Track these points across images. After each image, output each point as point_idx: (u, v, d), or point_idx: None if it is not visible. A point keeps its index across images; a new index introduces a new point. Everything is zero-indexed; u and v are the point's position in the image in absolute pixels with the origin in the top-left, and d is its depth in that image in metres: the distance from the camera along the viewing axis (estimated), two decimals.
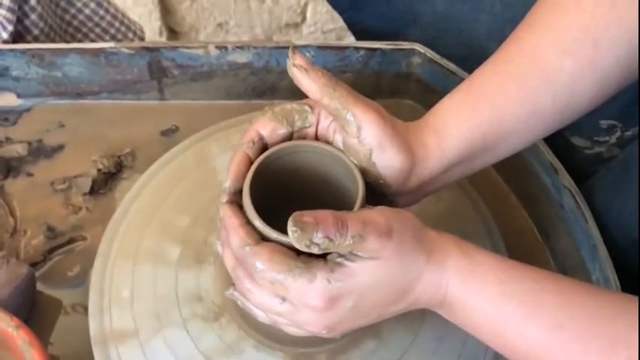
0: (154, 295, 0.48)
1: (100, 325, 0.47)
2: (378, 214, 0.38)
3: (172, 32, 1.29)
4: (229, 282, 0.43)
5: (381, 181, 0.42)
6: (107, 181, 0.59)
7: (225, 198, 0.42)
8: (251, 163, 0.42)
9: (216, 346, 0.46)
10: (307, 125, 0.43)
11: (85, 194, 0.58)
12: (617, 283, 0.49)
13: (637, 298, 0.37)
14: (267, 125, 0.43)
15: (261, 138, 0.43)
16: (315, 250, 0.36)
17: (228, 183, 0.42)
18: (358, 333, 0.46)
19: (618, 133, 0.59)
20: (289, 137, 0.44)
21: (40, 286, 0.52)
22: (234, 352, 0.46)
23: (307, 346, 0.46)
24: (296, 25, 1.30)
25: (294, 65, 0.41)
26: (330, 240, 0.36)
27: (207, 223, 0.51)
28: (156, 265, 0.50)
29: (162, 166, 0.56)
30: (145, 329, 0.47)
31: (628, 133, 0.59)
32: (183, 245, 0.50)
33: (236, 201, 0.42)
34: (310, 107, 0.43)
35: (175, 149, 0.57)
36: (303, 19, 1.30)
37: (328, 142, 0.44)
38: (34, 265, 0.53)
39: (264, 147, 0.43)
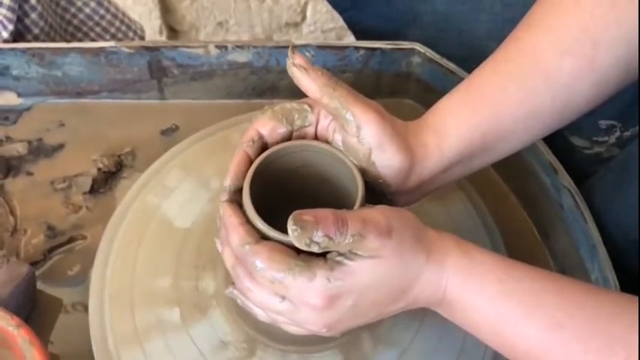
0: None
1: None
2: (378, 213, 0.38)
3: (172, 31, 1.29)
4: (241, 316, 0.43)
5: (381, 181, 0.42)
6: (107, 180, 0.59)
7: (225, 197, 0.42)
8: (251, 162, 0.43)
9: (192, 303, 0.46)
10: (307, 124, 0.43)
11: (85, 193, 0.58)
12: (616, 282, 0.49)
13: (636, 298, 0.37)
14: (266, 124, 0.43)
15: (260, 137, 0.43)
16: (314, 249, 0.36)
17: (228, 182, 0.42)
18: (362, 331, 0.46)
19: (617, 133, 0.59)
20: (289, 136, 0.44)
21: (40, 285, 0.52)
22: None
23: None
24: (296, 25, 1.30)
25: (294, 65, 0.41)
26: (330, 239, 0.36)
27: (207, 227, 0.51)
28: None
29: (162, 165, 0.56)
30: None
31: (627, 134, 0.59)
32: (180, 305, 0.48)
33: (236, 200, 0.42)
34: (310, 106, 0.44)
35: (175, 148, 0.57)
36: (303, 18, 1.30)
37: (328, 142, 0.44)
38: (35, 264, 0.53)
39: (264, 146, 0.43)
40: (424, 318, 0.47)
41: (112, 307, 0.48)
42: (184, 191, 0.54)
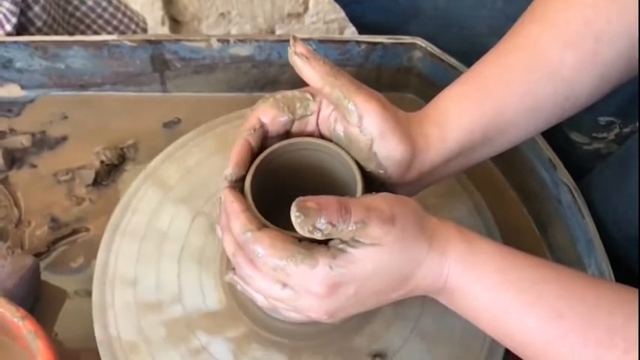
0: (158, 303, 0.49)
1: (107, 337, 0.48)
2: (381, 200, 0.38)
3: (175, 22, 1.29)
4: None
5: (382, 171, 0.42)
6: (110, 172, 0.60)
7: (225, 184, 0.42)
8: (252, 150, 0.42)
9: (226, 349, 0.47)
10: (309, 113, 0.43)
11: (88, 186, 0.58)
12: (612, 277, 0.49)
13: (635, 290, 0.37)
14: (268, 112, 0.43)
15: (262, 125, 0.43)
16: (317, 236, 0.36)
17: (229, 170, 0.42)
18: (363, 319, 0.47)
19: (617, 130, 0.59)
20: (290, 125, 0.43)
21: (44, 277, 0.53)
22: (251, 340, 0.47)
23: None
24: (298, 15, 1.30)
25: (296, 53, 0.40)
26: (334, 226, 0.36)
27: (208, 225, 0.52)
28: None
29: (165, 158, 0.56)
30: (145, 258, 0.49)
31: (626, 130, 0.59)
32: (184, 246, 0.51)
33: (237, 188, 0.42)
34: (312, 95, 0.43)
35: (178, 142, 0.57)
36: (306, 9, 1.29)
37: (329, 131, 0.43)
38: (39, 255, 0.54)
39: (265, 134, 0.43)
40: (424, 306, 0.47)
41: (117, 321, 0.48)
42: (187, 184, 0.55)
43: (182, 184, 0.55)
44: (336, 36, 0.89)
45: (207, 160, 0.56)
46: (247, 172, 0.42)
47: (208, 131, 0.58)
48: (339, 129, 0.43)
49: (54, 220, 0.56)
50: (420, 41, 0.61)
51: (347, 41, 0.62)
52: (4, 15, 0.62)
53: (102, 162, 0.59)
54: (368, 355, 0.46)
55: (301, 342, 0.47)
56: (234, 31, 1.30)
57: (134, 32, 0.76)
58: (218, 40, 0.61)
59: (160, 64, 0.62)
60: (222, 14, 1.28)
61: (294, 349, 0.47)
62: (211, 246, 0.51)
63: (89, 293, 0.50)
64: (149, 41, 0.60)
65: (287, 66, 0.42)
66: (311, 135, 0.44)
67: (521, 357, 0.39)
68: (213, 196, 0.53)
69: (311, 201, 0.36)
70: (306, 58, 0.40)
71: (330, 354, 0.46)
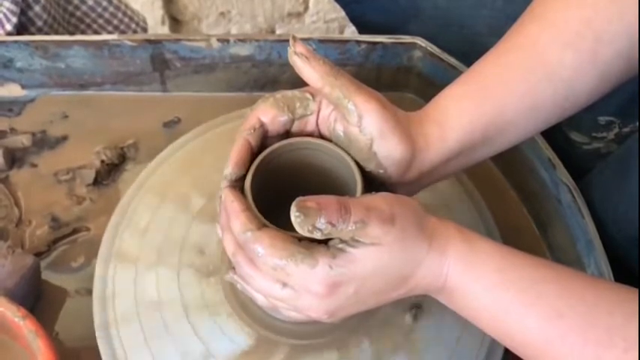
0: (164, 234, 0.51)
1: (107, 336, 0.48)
2: (381, 200, 0.38)
3: (175, 21, 1.29)
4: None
5: (381, 171, 0.42)
6: (110, 172, 0.60)
7: (225, 184, 0.42)
8: (252, 149, 0.42)
9: (197, 304, 0.48)
10: (308, 113, 0.43)
11: (88, 185, 0.59)
12: (612, 277, 0.49)
13: (634, 289, 0.37)
14: (268, 112, 0.43)
15: (262, 125, 0.43)
16: (317, 236, 0.36)
17: (229, 170, 0.42)
18: (362, 319, 0.47)
19: (616, 130, 0.60)
20: (290, 125, 0.43)
21: (45, 276, 0.53)
22: (211, 314, 0.48)
23: (308, 338, 0.47)
24: (298, 15, 1.30)
25: (296, 53, 0.40)
26: (333, 225, 0.36)
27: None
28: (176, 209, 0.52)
29: (165, 158, 0.56)
30: (145, 260, 0.50)
31: (626, 130, 0.59)
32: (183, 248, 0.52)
33: (237, 187, 0.42)
34: (312, 95, 0.43)
35: (179, 141, 0.58)
36: (306, 8, 1.29)
37: (329, 130, 0.43)
38: (39, 255, 0.54)
39: (265, 134, 0.43)
40: (423, 303, 0.48)
41: (118, 321, 0.48)
42: (188, 183, 0.55)
43: (182, 183, 0.55)
44: (336, 36, 0.90)
45: (207, 159, 0.56)
46: (247, 171, 0.42)
47: (208, 131, 0.58)
48: (339, 129, 0.43)
49: (54, 219, 0.56)
50: (420, 41, 0.62)
51: (347, 41, 0.62)
52: (5, 14, 0.62)
53: (102, 161, 0.59)
54: (404, 310, 0.48)
55: (301, 341, 0.47)
56: (234, 30, 1.30)
57: (134, 32, 0.76)
58: (218, 40, 0.61)
59: (160, 63, 0.62)
60: (222, 13, 1.28)
61: (294, 348, 0.47)
62: (211, 244, 0.51)
63: (90, 292, 0.50)
64: (149, 41, 0.60)
65: (287, 66, 0.42)
66: (311, 135, 0.44)
67: (521, 356, 0.39)
68: (213, 196, 0.53)
69: (311, 201, 0.36)
70: (306, 57, 0.40)
71: (330, 353, 0.47)
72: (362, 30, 0.71)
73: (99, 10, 0.73)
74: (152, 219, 0.53)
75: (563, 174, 0.55)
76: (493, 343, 0.48)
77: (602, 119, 0.59)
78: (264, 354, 0.46)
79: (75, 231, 0.56)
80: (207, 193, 0.54)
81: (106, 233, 0.52)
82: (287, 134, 0.44)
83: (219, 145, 0.56)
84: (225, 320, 0.48)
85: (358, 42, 0.62)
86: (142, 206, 0.53)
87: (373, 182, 0.43)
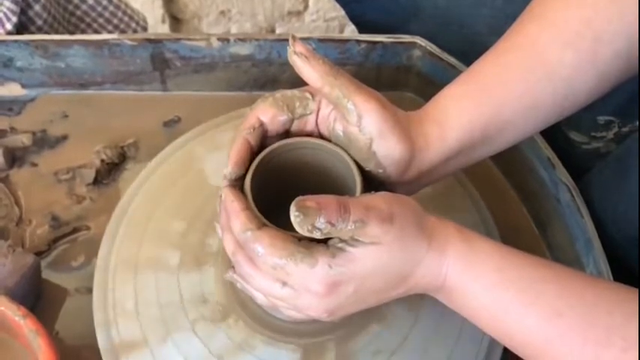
0: (157, 303, 0.49)
1: (107, 336, 0.48)
2: (380, 199, 0.39)
3: (175, 19, 1.29)
4: (229, 284, 0.45)
5: (381, 171, 0.42)
6: (110, 171, 0.60)
7: (225, 183, 0.42)
8: (251, 149, 0.43)
9: (226, 346, 0.47)
10: (308, 112, 0.43)
11: (88, 184, 0.59)
12: (610, 276, 0.50)
13: (634, 289, 0.38)
14: (267, 111, 0.43)
15: (261, 124, 0.43)
16: (317, 235, 0.36)
17: (228, 169, 0.42)
18: (363, 318, 0.47)
19: (615, 129, 0.60)
20: (290, 124, 0.43)
21: (45, 275, 0.53)
22: (245, 350, 0.47)
23: (315, 336, 0.47)
24: (298, 13, 1.30)
25: (295, 53, 0.40)
26: (333, 225, 0.36)
27: (205, 224, 0.52)
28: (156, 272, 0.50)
29: (165, 157, 0.57)
30: (153, 337, 0.48)
31: (625, 129, 0.59)
32: (182, 250, 0.51)
33: (237, 186, 0.42)
34: (311, 94, 0.43)
35: (179, 140, 0.58)
36: (306, 6, 1.29)
37: (329, 130, 0.44)
38: (39, 254, 0.54)
39: (265, 133, 0.43)
40: (424, 298, 0.48)
41: (118, 320, 0.48)
42: (187, 183, 0.55)
43: (182, 182, 0.55)
44: (336, 35, 0.89)
45: (206, 158, 0.56)
46: (247, 171, 0.42)
47: (208, 130, 0.58)
48: (339, 128, 0.43)
49: (55, 218, 0.57)
50: (419, 40, 0.62)
51: (347, 40, 0.62)
52: (5, 14, 0.62)
53: (102, 161, 0.59)
54: (404, 310, 0.48)
55: (301, 340, 0.47)
56: (234, 29, 1.30)
57: (134, 31, 0.76)
58: (218, 39, 0.61)
59: (160, 63, 0.62)
60: (222, 12, 1.28)
61: (293, 346, 0.47)
62: (210, 243, 0.51)
63: (90, 290, 0.50)
64: (149, 40, 0.60)
65: (287, 65, 0.42)
66: (310, 134, 0.44)
67: (521, 356, 0.40)
68: (213, 195, 0.54)
69: (310, 200, 0.37)
70: (306, 57, 0.40)
71: (329, 351, 0.47)
72: (362, 29, 0.71)
73: (99, 9, 0.73)
74: (150, 222, 0.52)
75: (562, 173, 0.55)
76: (492, 341, 0.48)
77: (602, 119, 0.59)
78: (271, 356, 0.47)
79: (75, 230, 0.56)
80: (205, 192, 0.54)
81: (106, 232, 0.53)
82: (286, 134, 0.44)
83: (220, 144, 0.57)
84: (265, 350, 0.47)
85: (358, 41, 0.62)
86: (142, 206, 0.53)
87: (372, 182, 0.43)
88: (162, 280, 0.50)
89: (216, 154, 0.56)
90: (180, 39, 0.61)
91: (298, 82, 0.43)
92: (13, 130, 0.62)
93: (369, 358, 0.46)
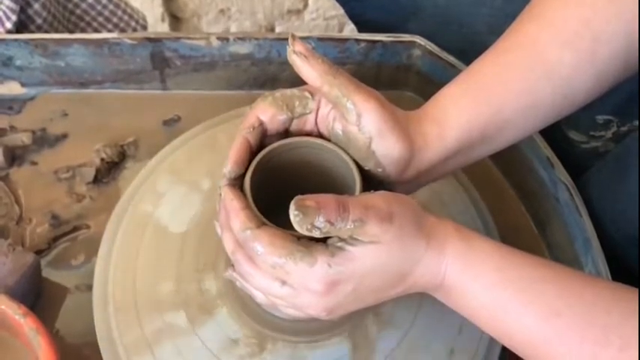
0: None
1: (107, 335, 0.47)
2: (379, 198, 0.39)
3: (175, 18, 1.29)
4: (247, 313, 0.45)
5: (380, 170, 0.42)
6: (110, 170, 0.60)
7: (224, 182, 0.42)
8: (251, 148, 0.43)
9: (196, 299, 0.47)
10: (307, 112, 0.43)
11: (88, 183, 0.59)
12: (609, 275, 0.50)
13: (632, 288, 0.38)
14: (267, 111, 0.43)
15: (261, 123, 0.43)
16: (316, 234, 0.37)
17: (228, 168, 0.42)
18: (360, 315, 0.47)
19: (614, 129, 0.60)
20: (289, 123, 0.44)
21: (45, 274, 0.53)
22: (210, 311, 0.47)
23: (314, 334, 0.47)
24: (298, 12, 1.30)
25: (295, 52, 0.40)
26: (332, 224, 0.36)
27: (202, 230, 0.52)
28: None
29: (165, 156, 0.57)
30: (145, 259, 0.47)
31: (624, 129, 0.59)
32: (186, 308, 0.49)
33: (236, 185, 0.42)
34: (311, 93, 0.43)
35: (179, 139, 0.58)
36: (305, 5, 1.29)
37: (328, 129, 0.44)
38: (40, 252, 0.54)
39: (264, 132, 0.43)
40: (422, 299, 0.48)
41: (118, 318, 0.48)
42: (187, 183, 0.55)
43: (182, 181, 0.55)
44: (336, 34, 0.89)
45: (206, 157, 0.56)
46: (246, 170, 0.42)
47: (208, 129, 0.58)
48: (338, 127, 0.43)
49: (55, 217, 0.57)
50: (419, 39, 0.62)
51: (346, 39, 0.62)
52: (4, 12, 0.62)
53: (102, 159, 0.60)
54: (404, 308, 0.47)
55: (300, 338, 0.47)
56: (233, 27, 1.30)
57: (134, 29, 0.76)
58: (218, 38, 0.61)
59: (160, 61, 0.62)
60: (221, 11, 1.28)
61: (253, 330, 0.47)
62: (209, 242, 0.51)
63: (90, 289, 0.50)
64: (149, 39, 0.61)
65: (286, 64, 0.42)
66: (309, 133, 0.44)
67: (519, 355, 0.40)
68: (213, 194, 0.54)
69: (309, 199, 0.37)
70: (305, 56, 0.40)
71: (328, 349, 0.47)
72: (361, 28, 0.71)
73: (98, 7, 0.73)
74: (150, 221, 0.52)
75: (561, 173, 0.55)
76: (491, 340, 0.48)
77: (600, 118, 0.59)
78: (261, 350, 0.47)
79: (75, 229, 0.56)
80: (204, 191, 0.54)
81: (106, 231, 0.53)
82: (286, 133, 0.44)
83: (219, 143, 0.57)
84: (224, 317, 0.48)
85: (357, 40, 0.62)
86: (142, 205, 0.54)
87: (372, 181, 0.43)
88: (183, 343, 0.47)
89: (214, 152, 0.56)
90: (180, 38, 0.61)
91: (298, 81, 0.43)
92: (12, 128, 0.62)
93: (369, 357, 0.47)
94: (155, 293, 0.49)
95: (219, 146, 0.57)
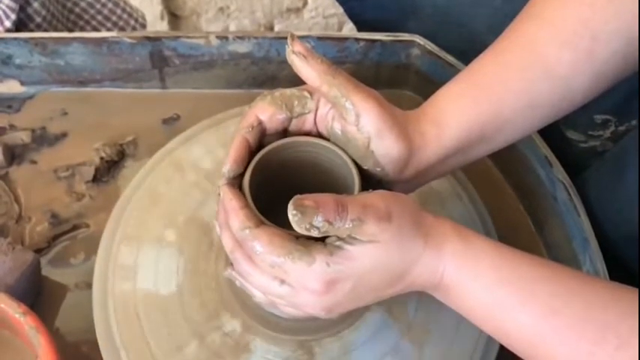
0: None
1: (107, 333, 0.47)
2: (378, 197, 0.39)
3: (174, 16, 1.29)
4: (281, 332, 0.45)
5: (379, 169, 0.42)
6: (110, 169, 0.60)
7: (223, 182, 0.42)
8: (250, 147, 0.43)
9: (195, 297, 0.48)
10: (306, 111, 0.43)
11: (88, 182, 0.59)
12: (606, 274, 0.50)
13: (629, 287, 0.38)
14: (266, 110, 0.43)
15: (260, 123, 0.43)
16: (314, 233, 0.37)
17: (227, 167, 0.42)
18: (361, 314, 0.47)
19: (612, 128, 0.60)
20: (288, 123, 0.44)
21: (45, 272, 0.53)
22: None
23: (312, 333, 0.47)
24: (297, 10, 1.30)
25: (294, 52, 0.40)
26: (330, 223, 0.36)
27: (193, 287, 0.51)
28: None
29: (165, 155, 0.57)
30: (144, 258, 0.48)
31: (622, 128, 0.59)
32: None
33: (235, 185, 0.42)
34: (310, 93, 0.43)
35: (178, 138, 0.58)
36: (305, 3, 1.29)
37: (327, 129, 0.44)
38: (39, 251, 0.54)
39: (263, 132, 0.43)
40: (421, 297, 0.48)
41: (118, 317, 0.48)
42: (185, 182, 0.55)
43: (181, 180, 0.55)
44: (335, 33, 0.89)
45: (206, 156, 0.56)
46: (245, 169, 0.43)
47: (207, 128, 0.58)
48: (337, 127, 0.43)
49: (54, 216, 0.57)
50: (418, 39, 0.62)
51: (345, 38, 0.62)
52: (4, 11, 0.62)
53: (101, 158, 0.60)
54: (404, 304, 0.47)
55: (300, 337, 0.47)
56: (232, 25, 1.30)
57: (133, 28, 0.76)
58: (217, 37, 0.61)
59: (159, 60, 0.62)
60: (221, 9, 1.28)
61: (292, 344, 0.47)
62: (208, 241, 0.51)
63: (89, 287, 0.50)
64: (148, 38, 0.61)
65: (285, 63, 0.42)
66: (308, 133, 0.44)
67: (517, 353, 0.40)
68: (212, 193, 0.54)
69: (308, 199, 0.37)
70: (304, 56, 0.41)
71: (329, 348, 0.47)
72: (361, 27, 0.71)
73: (98, 6, 0.73)
74: (150, 220, 0.52)
75: (559, 172, 0.55)
76: (489, 339, 0.48)
77: (599, 118, 0.59)
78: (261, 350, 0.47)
79: (75, 227, 0.56)
80: (204, 190, 0.54)
81: (105, 230, 0.53)
82: (285, 132, 0.44)
83: (219, 142, 0.57)
84: (262, 346, 0.47)
85: (357, 40, 0.62)
86: (142, 204, 0.54)
87: (370, 180, 0.43)
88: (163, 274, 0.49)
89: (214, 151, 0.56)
90: (179, 37, 0.61)
91: (297, 81, 0.43)
92: (12, 127, 0.62)
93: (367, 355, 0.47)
94: (153, 286, 0.49)
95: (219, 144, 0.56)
